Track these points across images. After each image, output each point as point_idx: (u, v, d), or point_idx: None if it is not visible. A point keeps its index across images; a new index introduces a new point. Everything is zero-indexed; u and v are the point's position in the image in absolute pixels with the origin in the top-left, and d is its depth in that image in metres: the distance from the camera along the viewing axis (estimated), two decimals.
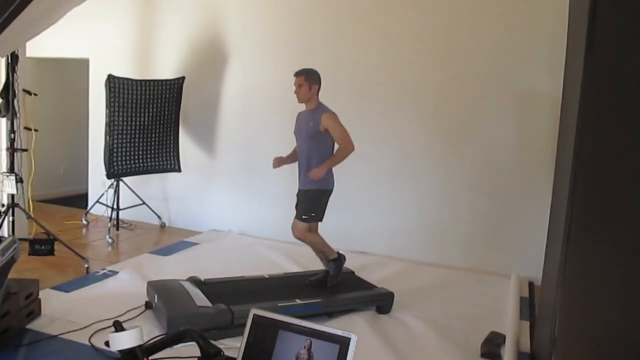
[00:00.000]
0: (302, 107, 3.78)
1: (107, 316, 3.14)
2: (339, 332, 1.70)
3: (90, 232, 5.61)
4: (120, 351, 1.79)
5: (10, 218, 4.24)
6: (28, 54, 5.11)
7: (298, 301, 3.40)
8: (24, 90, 4.50)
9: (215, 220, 5.82)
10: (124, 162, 5.35)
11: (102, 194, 5.73)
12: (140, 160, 5.52)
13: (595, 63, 2.01)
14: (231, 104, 5.71)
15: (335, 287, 3.76)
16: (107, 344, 1.83)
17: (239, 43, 5.60)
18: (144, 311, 3.40)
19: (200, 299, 3.28)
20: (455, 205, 4.88)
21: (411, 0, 4.89)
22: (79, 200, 6.66)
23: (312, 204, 3.72)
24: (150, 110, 5.46)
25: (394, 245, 5.06)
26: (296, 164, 3.84)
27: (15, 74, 4.18)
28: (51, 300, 3.46)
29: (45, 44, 5.89)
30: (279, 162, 3.88)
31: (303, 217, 3.71)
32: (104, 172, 5.28)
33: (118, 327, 1.83)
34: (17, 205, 4.26)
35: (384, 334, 3.26)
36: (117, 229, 5.64)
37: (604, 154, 2.04)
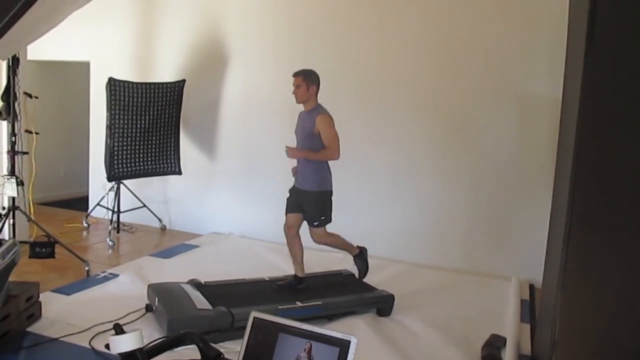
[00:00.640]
0: (302, 108, 3.79)
1: (108, 319, 3.13)
2: (339, 335, 1.70)
3: (90, 235, 5.61)
4: (120, 354, 1.79)
5: (11, 221, 4.24)
6: (29, 57, 5.12)
7: (298, 304, 3.40)
8: (25, 93, 4.51)
9: (215, 222, 5.82)
10: (124, 165, 5.35)
11: (103, 197, 5.73)
12: (141, 163, 5.52)
13: (595, 65, 2.01)
14: (231, 106, 5.72)
15: (335, 290, 3.75)
16: (107, 346, 1.83)
17: (239, 46, 5.61)
18: (144, 314, 3.40)
19: (200, 301, 3.27)
20: (456, 207, 4.88)
21: (411, 3, 4.89)
22: (80, 203, 6.66)
23: (319, 208, 3.74)
24: (151, 113, 5.46)
25: (394, 248, 5.06)
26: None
27: (16, 77, 4.19)
28: (52, 303, 3.46)
29: (46, 47, 5.90)
30: (292, 151, 3.80)
31: (315, 223, 3.73)
32: (105, 175, 5.29)
33: (118, 330, 1.82)
34: (17, 208, 4.26)
35: (385, 336, 3.26)
36: (118, 232, 5.64)
37: (604, 157, 2.04)
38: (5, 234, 4.31)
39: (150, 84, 5.45)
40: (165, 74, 5.87)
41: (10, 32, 2.45)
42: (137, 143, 5.43)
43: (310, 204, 3.73)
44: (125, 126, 5.29)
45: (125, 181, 5.60)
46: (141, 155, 5.51)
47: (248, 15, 5.55)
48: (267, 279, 3.99)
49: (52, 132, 6.69)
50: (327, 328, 1.82)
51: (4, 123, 4.53)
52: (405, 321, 3.53)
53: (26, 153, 4.48)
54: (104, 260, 4.73)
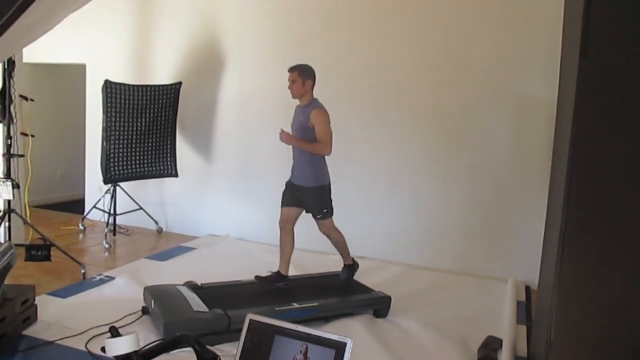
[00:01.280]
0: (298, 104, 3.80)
1: (104, 322, 3.13)
2: (335, 337, 1.70)
3: (87, 238, 5.60)
4: (116, 357, 1.79)
5: (7, 224, 4.23)
6: (25, 60, 5.11)
7: (295, 305, 3.40)
8: (21, 96, 4.50)
9: (212, 225, 5.82)
10: (120, 168, 5.35)
11: (99, 199, 5.72)
12: (137, 166, 5.52)
13: (590, 68, 2.02)
14: (228, 109, 5.72)
15: (332, 291, 3.75)
16: (103, 349, 1.83)
17: (236, 48, 5.61)
18: (140, 316, 3.40)
19: (197, 304, 3.27)
20: (452, 208, 4.89)
21: (409, 6, 4.91)
22: (76, 206, 6.65)
23: (321, 201, 3.78)
24: (147, 115, 5.46)
25: (391, 249, 5.07)
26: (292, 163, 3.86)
27: (11, 80, 4.18)
28: (47, 306, 3.45)
29: (42, 50, 5.90)
30: (285, 135, 3.78)
31: (318, 216, 3.78)
32: (101, 178, 5.28)
33: (114, 332, 1.82)
34: (13, 210, 4.25)
35: (381, 338, 3.26)
36: (114, 234, 5.63)
37: (599, 159, 2.05)
38: (1, 236, 4.30)
39: (146, 86, 5.44)
40: (161, 76, 5.87)
41: (5, 35, 2.44)
42: (133, 145, 5.43)
43: (309, 199, 3.77)
44: (122, 128, 5.28)
45: (121, 183, 5.59)
46: (137, 158, 5.50)
47: (244, 18, 5.55)
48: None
49: (48, 134, 6.67)
50: (324, 330, 1.82)
51: (0, 126, 4.51)
52: (401, 323, 3.53)
53: (22, 156, 4.46)
54: (100, 262, 4.71)
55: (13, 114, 4.25)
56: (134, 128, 5.39)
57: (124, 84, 5.24)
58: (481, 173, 4.77)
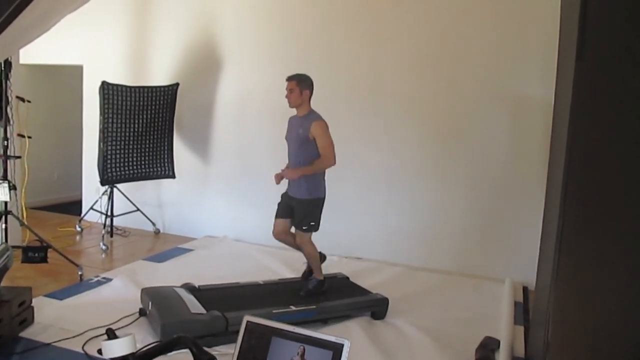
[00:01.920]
0: (295, 112, 3.79)
1: (101, 324, 3.12)
2: (332, 339, 1.70)
3: (84, 239, 5.59)
4: (113, 359, 1.78)
5: (3, 225, 4.21)
6: (21, 61, 5.10)
7: (293, 308, 3.40)
8: (17, 97, 4.49)
9: (209, 226, 5.81)
10: (118, 169, 5.34)
11: (96, 201, 5.71)
12: (135, 167, 5.51)
13: (586, 69, 2.03)
14: (225, 110, 5.71)
15: (329, 294, 3.75)
16: (100, 351, 1.82)
17: (233, 50, 5.61)
18: (137, 318, 3.39)
19: (194, 305, 3.27)
20: (450, 210, 4.90)
21: (406, 7, 4.91)
22: (73, 207, 6.64)
23: (309, 214, 3.73)
24: (145, 116, 5.45)
25: (389, 251, 5.07)
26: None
27: (8, 81, 4.17)
28: (44, 308, 3.44)
29: (39, 51, 5.88)
30: (280, 178, 3.81)
31: (304, 228, 3.73)
32: (98, 179, 5.27)
33: (111, 334, 1.82)
34: (10, 212, 4.24)
35: (379, 340, 3.27)
36: (111, 236, 5.62)
37: (595, 159, 2.06)
38: None
39: (143, 87, 5.43)
40: (158, 77, 5.86)
41: (2, 36, 2.44)
42: (131, 147, 5.42)
43: (300, 209, 3.73)
44: (119, 130, 5.27)
45: (118, 185, 5.58)
46: (135, 159, 5.49)
47: (242, 19, 5.55)
48: (262, 282, 3.99)
49: (45, 136, 6.66)
50: (322, 332, 1.82)
51: None
52: (399, 324, 3.53)
53: (19, 157, 4.46)
54: (97, 264, 4.71)
55: (10, 116, 4.24)
56: (131, 129, 5.38)
57: (121, 85, 5.24)
58: (478, 174, 4.78)
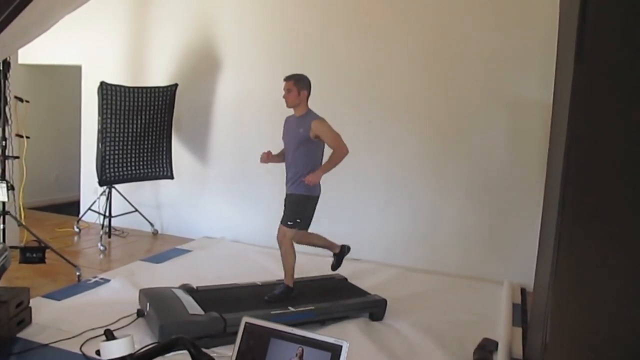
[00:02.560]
0: (292, 112, 3.79)
1: (99, 324, 3.12)
2: (331, 340, 1.70)
3: (82, 240, 5.58)
4: None
5: (1, 226, 4.20)
6: (20, 61, 5.10)
7: (291, 309, 3.39)
8: (16, 97, 4.49)
9: (208, 227, 5.81)
10: (116, 170, 5.33)
11: (94, 201, 5.70)
12: (133, 168, 5.51)
13: (585, 72, 2.03)
14: (224, 111, 5.71)
15: (328, 295, 3.75)
16: (98, 352, 1.82)
17: (232, 50, 5.61)
18: (135, 319, 3.38)
19: (192, 306, 3.26)
20: (448, 212, 4.90)
21: (405, 9, 4.92)
22: (71, 208, 6.63)
23: (297, 209, 3.70)
24: (143, 117, 5.45)
25: (387, 252, 5.07)
26: (285, 174, 3.83)
27: (6, 81, 4.16)
28: (42, 309, 3.43)
29: (38, 51, 5.88)
30: (267, 157, 3.82)
31: (289, 223, 3.68)
32: (96, 179, 5.26)
33: (109, 335, 1.81)
34: (8, 212, 4.23)
35: (377, 341, 3.26)
36: (109, 237, 5.61)
37: (594, 162, 2.06)
38: None
39: (142, 88, 5.43)
40: (157, 78, 5.86)
41: (1, 36, 2.43)
42: (129, 147, 5.42)
43: (291, 203, 3.72)
44: (117, 130, 5.27)
45: (116, 185, 5.57)
46: (133, 160, 5.49)
47: (241, 20, 5.56)
48: (260, 283, 3.98)
49: (43, 136, 6.65)
50: (320, 333, 1.82)
51: None
52: (397, 325, 3.54)
53: (17, 157, 4.45)
54: (95, 265, 4.70)
55: (8, 116, 4.23)
56: (130, 130, 5.37)
57: (120, 86, 5.23)
58: (477, 176, 4.78)
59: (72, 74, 6.58)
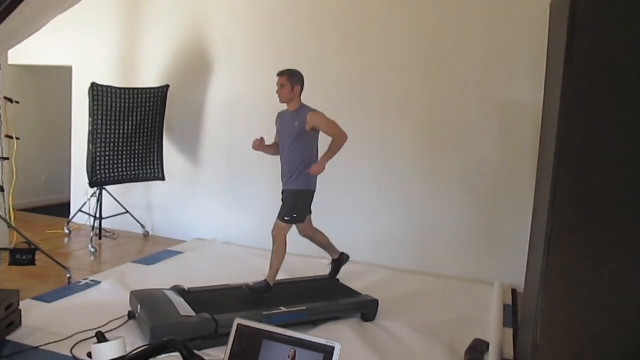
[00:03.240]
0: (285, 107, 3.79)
1: (90, 327, 3.11)
2: (323, 341, 1.70)
3: (72, 242, 5.55)
4: None
5: None
6: (10, 62, 5.08)
7: (283, 309, 3.39)
8: (6, 98, 4.46)
9: (199, 228, 5.79)
10: (107, 171, 5.31)
11: (85, 203, 5.67)
12: (124, 169, 5.48)
13: (575, 73, 2.05)
14: (216, 112, 5.70)
15: (320, 295, 3.75)
16: (89, 355, 1.80)
17: (224, 51, 5.61)
18: (127, 321, 3.37)
19: (184, 308, 3.25)
20: (440, 213, 4.92)
21: (397, 12, 4.93)
22: (61, 209, 6.59)
23: (294, 205, 3.70)
24: (134, 118, 5.43)
25: (379, 253, 5.08)
26: (281, 170, 3.83)
27: None
28: (32, 311, 3.41)
29: (28, 51, 5.85)
30: (259, 144, 3.81)
31: (286, 218, 3.69)
32: (87, 181, 5.24)
33: (101, 338, 1.80)
34: None
35: (369, 341, 3.27)
36: (100, 238, 5.58)
37: (584, 162, 2.08)
38: None
39: (133, 89, 5.41)
40: (149, 79, 5.84)
41: None
42: (120, 149, 5.39)
43: (289, 198, 3.72)
44: (108, 131, 5.24)
45: (107, 187, 5.55)
46: (124, 161, 5.46)
47: (233, 20, 5.55)
48: (251, 284, 3.97)
49: (33, 137, 6.61)
50: (312, 334, 1.82)
51: None
52: (389, 326, 3.54)
53: (7, 159, 4.42)
54: (85, 267, 4.67)
55: None
56: (121, 131, 5.35)
57: (111, 87, 5.21)
58: (468, 177, 4.80)
59: (63, 74, 6.54)
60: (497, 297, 4.14)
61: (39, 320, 3.31)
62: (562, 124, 2.10)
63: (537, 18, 4.19)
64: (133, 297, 3.44)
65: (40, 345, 2.97)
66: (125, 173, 5.50)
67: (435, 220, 4.94)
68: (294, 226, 3.82)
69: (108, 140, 5.26)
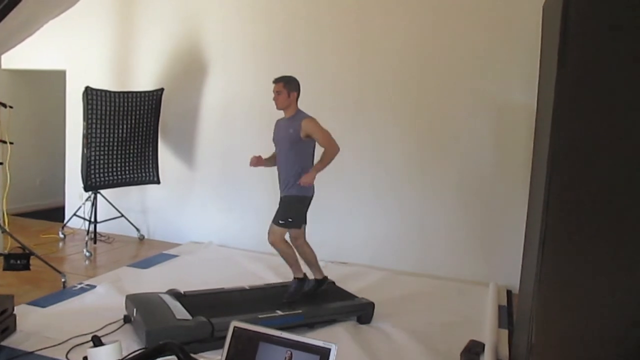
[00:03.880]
0: (282, 115, 3.79)
1: (85, 331, 3.10)
2: (319, 343, 1.70)
3: (67, 246, 5.52)
4: None
5: None
6: (3, 66, 5.06)
7: (279, 312, 3.39)
8: None
9: (194, 232, 5.79)
10: (101, 175, 5.29)
11: (80, 207, 5.65)
12: (119, 173, 5.47)
13: (568, 76, 2.07)
14: (211, 115, 5.70)
15: (316, 298, 3.76)
16: (85, 359, 1.80)
17: (219, 54, 5.61)
18: (122, 325, 3.36)
19: (179, 311, 3.25)
20: (434, 215, 4.94)
21: (391, 14, 4.95)
22: (56, 214, 6.56)
23: (290, 210, 3.69)
24: (129, 122, 5.42)
25: (374, 256, 5.09)
26: (276, 173, 3.83)
27: None
28: (27, 316, 3.40)
29: (21, 56, 5.82)
30: (257, 161, 3.83)
31: (280, 222, 3.67)
32: (81, 185, 5.22)
33: (97, 342, 1.80)
34: None
35: (365, 344, 3.27)
36: (95, 242, 5.56)
37: (577, 164, 2.09)
38: None
39: (128, 92, 5.40)
40: (143, 82, 5.83)
41: None
42: (115, 152, 5.38)
43: (285, 203, 3.72)
44: (103, 135, 5.23)
45: (102, 191, 5.53)
46: (119, 165, 5.45)
47: (228, 24, 5.55)
48: (247, 287, 3.98)
49: (27, 141, 6.59)
50: (308, 336, 1.82)
51: None
52: (385, 328, 3.55)
53: (0, 163, 4.40)
54: (80, 271, 4.65)
55: None
56: (116, 135, 5.34)
57: (105, 91, 5.20)
58: (463, 179, 4.82)
59: (57, 78, 6.52)
60: (492, 299, 4.15)
61: (34, 325, 3.30)
62: (555, 126, 2.11)
63: (530, 20, 4.22)
64: (128, 301, 3.43)
65: (36, 350, 2.95)
66: (120, 177, 5.48)
67: (431, 222, 4.95)
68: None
69: (102, 144, 5.25)
